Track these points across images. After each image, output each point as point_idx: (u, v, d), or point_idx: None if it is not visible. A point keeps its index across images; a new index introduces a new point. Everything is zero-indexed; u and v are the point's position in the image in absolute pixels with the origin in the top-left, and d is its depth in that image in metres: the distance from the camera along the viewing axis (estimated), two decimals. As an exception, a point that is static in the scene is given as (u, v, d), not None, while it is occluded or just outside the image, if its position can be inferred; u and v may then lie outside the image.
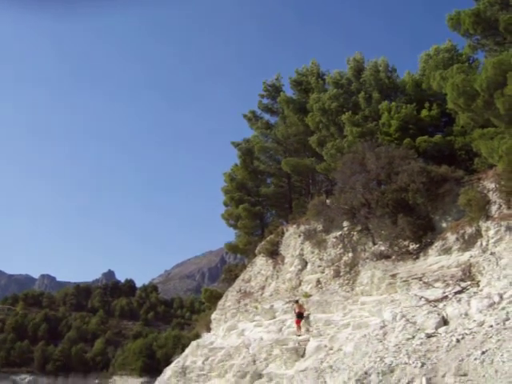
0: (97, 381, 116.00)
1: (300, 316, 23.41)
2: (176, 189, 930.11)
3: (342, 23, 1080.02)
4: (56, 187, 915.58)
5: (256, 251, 33.21)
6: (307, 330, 22.98)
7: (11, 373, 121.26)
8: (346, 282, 24.31)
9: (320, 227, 27.15)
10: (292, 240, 29.36)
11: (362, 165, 24.53)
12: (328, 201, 27.92)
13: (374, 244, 24.33)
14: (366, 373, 14.95)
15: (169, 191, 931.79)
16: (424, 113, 26.33)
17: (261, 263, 32.03)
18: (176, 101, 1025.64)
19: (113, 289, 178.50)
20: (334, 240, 25.88)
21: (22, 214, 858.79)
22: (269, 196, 38.78)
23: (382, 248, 23.59)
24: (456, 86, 20.86)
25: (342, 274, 24.89)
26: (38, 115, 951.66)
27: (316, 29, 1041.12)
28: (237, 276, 36.15)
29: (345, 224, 25.71)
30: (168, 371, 32.08)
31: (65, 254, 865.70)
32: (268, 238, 32.47)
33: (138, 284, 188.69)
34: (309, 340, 22.07)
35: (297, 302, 24.37)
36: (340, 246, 25.56)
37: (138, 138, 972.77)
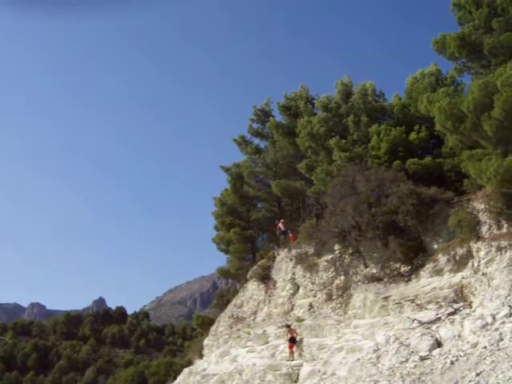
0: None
1: (292, 341, 23.24)
2: (167, 214, 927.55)
3: (333, 41, 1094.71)
4: (44, 213, 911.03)
5: (248, 276, 33.04)
6: (300, 355, 22.80)
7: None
8: (339, 305, 24.22)
9: (311, 251, 27.10)
10: (284, 264, 29.27)
11: (352, 188, 24.63)
12: (319, 224, 27.94)
13: (366, 267, 24.32)
14: (360, 397, 14.84)
15: (160, 216, 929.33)
16: (413, 135, 26.54)
17: (253, 288, 31.85)
18: (164, 122, 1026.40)
19: (104, 316, 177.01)
20: (326, 263, 25.83)
21: (9, 242, 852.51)
22: (260, 220, 38.74)
23: (374, 271, 23.60)
24: (443, 109, 21.10)
25: (334, 297, 24.81)
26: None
27: (307, 46, 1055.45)
28: (229, 301, 35.89)
29: (336, 247, 25.71)
30: (160, 399, 31.68)
31: (54, 281, 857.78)
32: (259, 263, 32.35)
33: (130, 311, 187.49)
34: (302, 365, 21.90)
35: (288, 326, 24.23)
36: (332, 270, 25.50)
37: (127, 160, 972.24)
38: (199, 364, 32.00)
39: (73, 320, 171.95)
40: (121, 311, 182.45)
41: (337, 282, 25.05)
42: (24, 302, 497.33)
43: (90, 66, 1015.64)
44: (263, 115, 37.95)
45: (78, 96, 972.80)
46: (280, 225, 28.76)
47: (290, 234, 32.04)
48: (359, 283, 23.85)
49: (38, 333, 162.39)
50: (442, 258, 20.61)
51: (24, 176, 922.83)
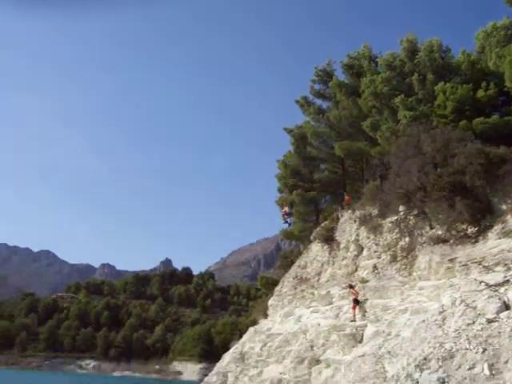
0: (157, 366, 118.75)
1: (357, 301, 23.29)
2: (231, 176, 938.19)
3: (392, 5, 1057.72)
4: (116, 177, 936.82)
5: (311, 237, 33.17)
6: (364, 316, 22.87)
7: (76, 358, 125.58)
8: (403, 267, 24.02)
9: (375, 212, 26.87)
10: (347, 225, 29.18)
11: (417, 148, 24.12)
12: (383, 185, 27.62)
13: (431, 228, 23.93)
14: (425, 358, 14.79)
15: (224, 178, 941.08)
16: (480, 93, 25.57)
17: (316, 249, 31.97)
18: (228, 88, 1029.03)
19: (170, 277, 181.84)
20: (390, 225, 25.57)
21: (83, 206, 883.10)
22: (323, 182, 38.62)
23: (440, 232, 23.19)
24: (514, 63, 20.24)
25: (398, 259, 24.61)
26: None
27: (364, 13, 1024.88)
28: (292, 262, 36.21)
29: (401, 208, 25.36)
30: (226, 357, 32.49)
31: (124, 243, 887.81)
32: (323, 224, 32.37)
33: (195, 272, 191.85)
34: (366, 326, 21.96)
35: (352, 287, 24.25)
36: (396, 231, 25.23)
37: (192, 122, 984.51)
38: (264, 323, 32.60)
39: (141, 280, 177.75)
40: (187, 272, 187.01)
41: (401, 243, 24.79)
42: (95, 263, 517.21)
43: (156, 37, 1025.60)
44: (325, 76, 37.45)
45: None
46: (286, 208, 28.80)
47: (346, 196, 32.01)
48: (424, 245, 23.52)
49: (109, 292, 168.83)
50: (511, 220, 20.03)
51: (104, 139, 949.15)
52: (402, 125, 26.92)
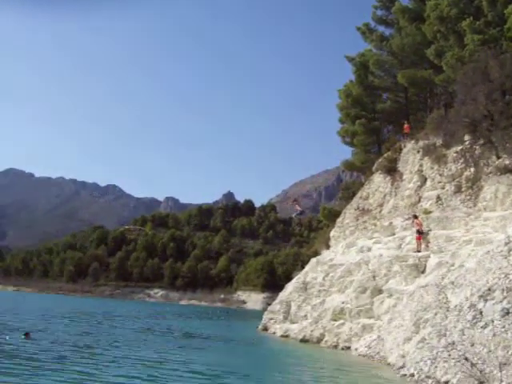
0: (222, 296, 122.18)
1: (420, 232, 23.15)
2: (290, 106, 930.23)
3: None
4: (178, 111, 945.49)
5: (373, 168, 32.87)
6: (427, 247, 22.77)
7: (145, 287, 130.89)
8: (468, 197, 23.58)
9: (439, 142, 26.25)
10: (410, 156, 28.70)
11: (484, 74, 23.15)
12: (448, 114, 26.83)
13: (498, 158, 23.22)
14: (489, 289, 14.71)
15: (284, 109, 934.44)
16: (555, 13, 24.10)
17: (378, 180, 31.71)
18: (288, 15, 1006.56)
19: (233, 209, 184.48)
20: (455, 155, 24.97)
21: (148, 141, 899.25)
22: (385, 112, 37.86)
23: (507, 162, 22.50)
24: None
25: (463, 189, 24.13)
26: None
27: None
28: (354, 194, 36.13)
29: (466, 138, 24.66)
30: (289, 287, 33.20)
31: (186, 176, 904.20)
32: (385, 155, 31.95)
33: (257, 204, 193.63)
34: (429, 256, 21.91)
35: (416, 217, 24.06)
36: (461, 161, 24.64)
37: (259, 59, 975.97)
38: (326, 254, 32.95)
39: (205, 212, 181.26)
40: (249, 204, 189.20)
41: (466, 173, 24.23)
42: (160, 196, 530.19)
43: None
44: (388, 1, 36.07)
45: None
46: (297, 206, 28.22)
47: (405, 125, 31.38)
48: (490, 175, 22.95)
49: (174, 224, 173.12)
50: None
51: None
52: (468, 50, 25.78)
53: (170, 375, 14.01)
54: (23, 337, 20.42)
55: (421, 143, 27.89)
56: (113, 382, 12.53)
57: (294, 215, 32.36)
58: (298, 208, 29.11)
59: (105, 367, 14.73)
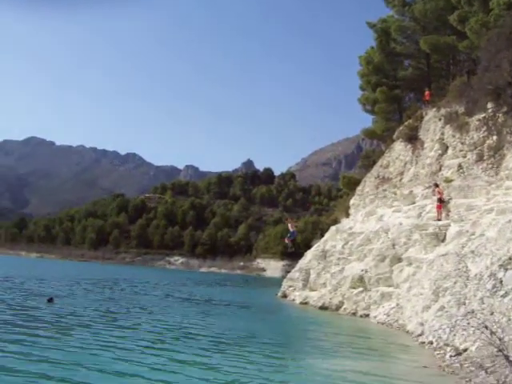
0: (241, 263, 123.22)
1: (441, 201, 23.03)
2: (309, 73, 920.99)
3: None
4: (197, 77, 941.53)
5: (394, 136, 32.60)
6: (448, 216, 22.67)
7: (165, 255, 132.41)
8: (490, 166, 23.33)
9: (462, 110, 25.89)
10: (432, 124, 28.38)
11: (509, 40, 22.68)
12: (471, 81, 26.39)
13: (522, 126, 22.88)
14: (510, 258, 14.66)
15: (303, 75, 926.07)
16: None
17: (399, 148, 31.48)
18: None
19: (252, 177, 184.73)
20: (478, 123, 24.62)
21: (168, 110, 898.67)
22: (407, 79, 37.37)
23: (531, 130, 22.18)
24: None
25: (485, 158, 23.86)
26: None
27: None
28: (374, 162, 35.94)
29: (489, 105, 24.27)
30: (308, 255, 33.37)
31: (206, 145, 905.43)
32: (406, 123, 31.63)
33: (276, 172, 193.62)
34: (449, 225, 21.83)
35: (437, 186, 23.89)
36: (484, 129, 24.30)
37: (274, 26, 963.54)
38: (345, 222, 32.99)
39: (224, 181, 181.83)
40: (268, 172, 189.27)
41: (489, 142, 23.93)
42: (180, 164, 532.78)
43: None
44: (411, -35, 35.29)
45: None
46: (289, 225, 27.44)
47: (426, 92, 31.00)
48: (513, 143, 22.65)
49: (194, 192, 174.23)
50: None
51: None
52: (493, 15, 25.24)
53: (192, 339, 14.27)
54: (47, 302, 20.87)
55: (443, 111, 27.55)
56: (136, 345, 12.79)
57: (286, 238, 30.74)
58: (291, 228, 28.53)
59: (128, 331, 15.04)
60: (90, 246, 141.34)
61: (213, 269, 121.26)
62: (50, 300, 21.00)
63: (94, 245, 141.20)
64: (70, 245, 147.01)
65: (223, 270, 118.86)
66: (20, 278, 38.27)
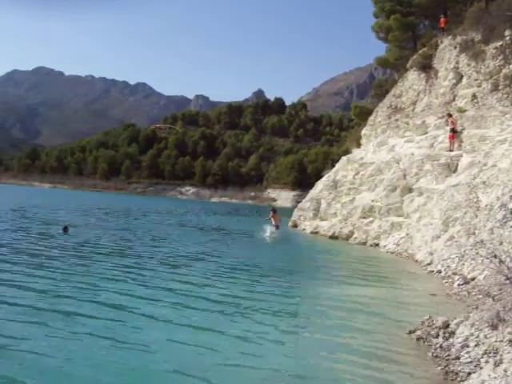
0: (252, 193, 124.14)
1: (454, 131, 22.81)
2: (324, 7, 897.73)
3: None
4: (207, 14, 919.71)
5: (407, 65, 31.97)
6: (460, 146, 22.52)
7: (177, 185, 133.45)
8: (505, 96, 22.91)
9: (478, 37, 25.22)
10: (447, 52, 27.76)
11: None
12: (489, 7, 25.60)
13: (540, 53, 22.33)
14: (521, 189, 14.68)
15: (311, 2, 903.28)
16: None
17: (412, 77, 30.95)
18: None
19: (263, 107, 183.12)
20: (494, 51, 24.02)
21: (177, 40, 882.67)
22: (422, 5, 36.21)
23: (549, 57, 21.64)
24: None
25: (500, 87, 23.41)
26: None
27: None
28: (387, 91, 35.44)
29: (507, 33, 23.58)
30: (319, 185, 33.48)
31: (216, 74, 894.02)
32: (420, 51, 30.93)
33: (288, 102, 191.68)
34: (461, 156, 21.72)
35: (450, 115, 23.60)
36: (500, 58, 23.72)
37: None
38: (357, 153, 32.90)
39: (235, 110, 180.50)
40: (279, 102, 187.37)
41: (505, 71, 23.40)
42: (189, 94, 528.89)
43: None
44: None
45: None
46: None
47: (442, 19, 30.11)
48: (530, 72, 22.18)
49: (204, 122, 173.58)
50: None
51: None
52: None
53: (204, 266, 14.60)
54: (62, 231, 21.28)
55: (458, 39, 26.86)
56: (152, 271, 13.13)
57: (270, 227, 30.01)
58: (273, 222, 28.05)
59: (142, 259, 15.40)
60: (102, 177, 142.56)
61: (224, 199, 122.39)
62: (65, 229, 21.40)
63: (105, 175, 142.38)
64: (82, 175, 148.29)
65: (234, 200, 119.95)
66: (36, 207, 38.93)
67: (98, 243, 18.88)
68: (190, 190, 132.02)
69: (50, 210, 37.18)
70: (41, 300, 9.56)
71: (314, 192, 33.62)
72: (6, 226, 23.14)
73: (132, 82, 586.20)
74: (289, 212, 40.08)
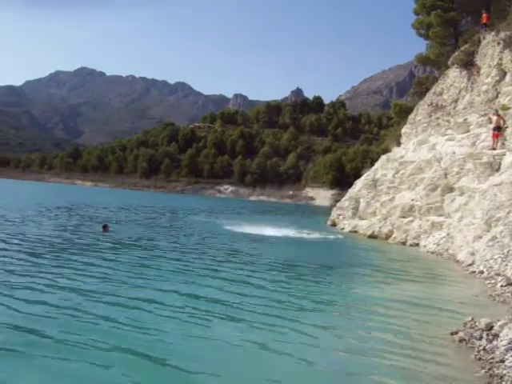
0: (291, 192, 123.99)
1: (498, 129, 22.30)
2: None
3: None
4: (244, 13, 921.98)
5: (449, 62, 31.47)
6: (503, 145, 22.03)
7: (215, 183, 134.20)
8: (551, 92, 22.37)
9: (523, 33, 24.67)
10: (489, 49, 27.21)
11: None
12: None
13: None
14: None
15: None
16: None
17: (454, 75, 30.45)
18: None
19: (302, 106, 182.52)
20: (539, 46, 23.47)
21: (216, 39, 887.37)
22: (464, 1, 35.63)
23: None
24: None
25: (546, 83, 22.87)
26: None
27: None
28: (428, 89, 34.96)
29: (552, 28, 23.03)
30: (358, 184, 33.24)
31: (255, 73, 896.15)
32: (462, 48, 30.42)
33: (326, 101, 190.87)
34: (505, 154, 21.25)
35: (498, 113, 23.00)
36: (545, 53, 23.17)
37: None
38: (397, 151, 32.54)
39: (273, 109, 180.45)
40: (318, 101, 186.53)
41: (550, 66, 22.86)
42: (228, 93, 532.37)
43: None
44: None
45: None
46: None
47: (484, 14, 29.50)
48: None
49: (243, 121, 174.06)
50: None
51: None
52: None
53: (248, 263, 14.67)
54: (102, 229, 21.63)
55: (502, 34, 26.30)
56: (198, 269, 13.23)
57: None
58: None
59: (188, 256, 15.54)
60: (142, 175, 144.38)
61: (262, 197, 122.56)
62: (105, 227, 21.74)
63: (145, 174, 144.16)
64: (122, 174, 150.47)
65: (272, 199, 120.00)
66: (81, 205, 39.76)
67: (135, 242, 19.12)
68: (228, 189, 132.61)
69: (96, 208, 37.86)
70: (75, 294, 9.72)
71: (352, 191, 33.39)
72: (50, 222, 23.74)
73: (171, 81, 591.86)
74: (327, 211, 39.88)
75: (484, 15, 29.78)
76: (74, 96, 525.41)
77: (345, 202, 33.62)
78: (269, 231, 26.82)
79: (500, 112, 23.15)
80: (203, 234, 23.48)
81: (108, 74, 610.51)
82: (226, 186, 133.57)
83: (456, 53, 30.89)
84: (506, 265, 13.66)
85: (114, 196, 73.73)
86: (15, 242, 16.25)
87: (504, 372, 6.59)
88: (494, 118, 22.65)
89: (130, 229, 23.72)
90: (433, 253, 20.56)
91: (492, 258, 14.72)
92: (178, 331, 7.95)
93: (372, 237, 26.39)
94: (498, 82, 25.74)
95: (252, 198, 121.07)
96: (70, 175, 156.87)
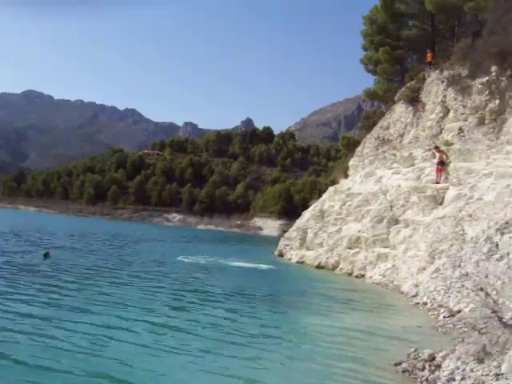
0: (239, 222, 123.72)
1: (441, 163, 22.99)
2: (311, 31, 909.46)
3: None
4: (195, 42, 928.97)
5: (395, 98, 32.38)
6: (446, 179, 22.69)
7: (163, 211, 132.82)
8: (491, 130, 23.23)
9: (465, 72, 25.65)
10: (434, 86, 28.16)
11: (516, 2, 22.35)
12: (476, 43, 26.06)
13: (525, 90, 22.70)
14: (506, 222, 14.76)
15: (302, 33, 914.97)
16: None
17: (400, 110, 31.32)
18: None
19: (252, 136, 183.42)
20: (480, 86, 24.42)
21: (167, 67, 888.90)
22: (410, 39, 36.89)
23: (534, 94, 22.01)
24: None
25: (486, 121, 23.75)
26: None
27: None
28: (375, 123, 35.78)
29: (493, 69, 24.01)
30: (306, 214, 33.52)
31: (206, 102, 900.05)
32: (408, 84, 31.37)
33: (276, 131, 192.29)
34: (448, 188, 21.88)
35: (438, 148, 23.77)
36: (486, 93, 24.11)
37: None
38: (344, 183, 33.03)
39: (223, 139, 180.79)
40: (268, 131, 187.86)
41: (491, 105, 23.78)
42: (178, 121, 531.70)
43: None
44: None
45: None
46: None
47: (429, 54, 30.73)
48: (515, 107, 22.50)
49: (192, 150, 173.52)
50: None
51: None
52: (501, -24, 24.79)
53: (194, 292, 14.51)
54: (43, 257, 21.13)
55: (445, 73, 27.29)
56: (133, 300, 12.99)
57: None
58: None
59: (119, 286, 15.26)
60: (88, 202, 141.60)
61: (210, 226, 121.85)
62: (46, 255, 21.30)
63: (91, 200, 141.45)
64: (67, 199, 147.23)
65: (220, 228, 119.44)
66: (20, 231, 38.58)
67: (77, 270, 18.69)
68: (176, 217, 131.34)
69: (36, 234, 36.88)
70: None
71: (300, 221, 33.63)
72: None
73: (121, 107, 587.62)
74: (275, 241, 39.96)
75: (429, 54, 30.88)
76: (19, 119, 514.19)
77: (292, 232, 33.80)
78: (216, 260, 26.68)
79: (443, 147, 23.89)
80: (148, 263, 23.15)
81: (56, 97, 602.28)
82: (174, 215, 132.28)
83: (402, 89, 31.82)
84: (449, 296, 13.94)
85: (59, 222, 72.04)
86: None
87: (446, 403, 6.68)
88: (437, 154, 23.39)
89: (76, 256, 23.19)
90: (378, 284, 20.80)
91: (435, 290, 15.00)
92: (134, 355, 7.83)
93: (319, 267, 26.55)
94: (442, 118, 26.61)
95: (200, 227, 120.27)
96: (14, 200, 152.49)
